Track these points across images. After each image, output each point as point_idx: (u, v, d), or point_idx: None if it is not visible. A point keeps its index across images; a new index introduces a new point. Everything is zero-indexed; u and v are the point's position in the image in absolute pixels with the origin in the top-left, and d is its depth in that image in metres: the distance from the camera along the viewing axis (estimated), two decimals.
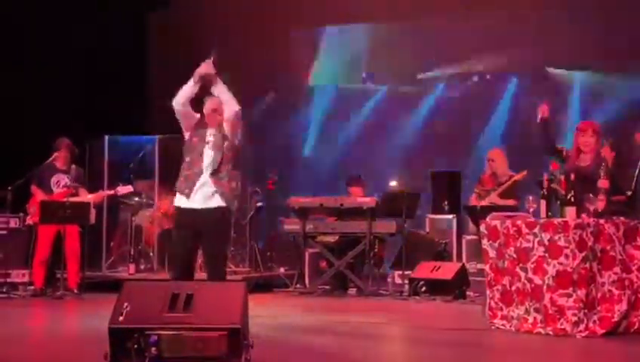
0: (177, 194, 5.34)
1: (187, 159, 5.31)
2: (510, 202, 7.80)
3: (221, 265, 5.28)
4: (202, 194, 5.19)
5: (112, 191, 8.34)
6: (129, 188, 8.36)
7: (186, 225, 5.22)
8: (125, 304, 3.81)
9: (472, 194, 8.37)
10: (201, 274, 6.41)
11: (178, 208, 5.30)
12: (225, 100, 5.21)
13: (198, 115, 5.36)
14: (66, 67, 9.21)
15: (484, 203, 8.01)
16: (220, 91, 5.22)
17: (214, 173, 5.19)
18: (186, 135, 5.37)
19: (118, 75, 9.77)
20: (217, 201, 5.19)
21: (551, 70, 9.93)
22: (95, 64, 9.67)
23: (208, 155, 5.23)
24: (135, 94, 10.08)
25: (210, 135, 5.28)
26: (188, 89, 5.21)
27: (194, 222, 5.18)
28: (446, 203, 8.92)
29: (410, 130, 10.24)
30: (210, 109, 5.27)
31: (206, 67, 5.18)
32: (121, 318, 3.76)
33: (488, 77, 10.39)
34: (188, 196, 5.21)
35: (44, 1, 9.17)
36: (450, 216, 8.78)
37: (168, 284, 4.15)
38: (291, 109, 10.76)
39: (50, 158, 7.99)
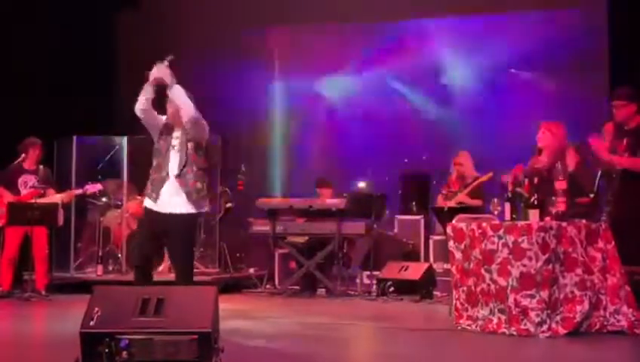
0: (145, 198, 5.37)
1: (154, 163, 5.34)
2: (476, 202, 7.96)
3: (187, 267, 5.28)
4: (168, 197, 5.20)
5: (80, 190, 8.31)
6: (98, 187, 8.35)
7: (151, 225, 5.25)
8: (96, 308, 3.84)
9: (439, 195, 8.52)
10: (170, 276, 6.44)
11: (145, 208, 5.34)
12: (180, 105, 5.18)
13: (163, 118, 5.36)
14: (34, 67, 9.14)
15: (450, 204, 8.15)
16: (175, 96, 5.17)
17: (179, 175, 5.20)
18: (155, 138, 5.39)
19: (87, 75, 9.71)
20: (183, 205, 5.20)
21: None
22: (63, 64, 9.60)
23: (174, 158, 5.24)
24: (104, 94, 10.01)
25: (175, 137, 5.28)
26: (144, 93, 5.18)
27: (159, 224, 5.21)
28: (414, 203, 9.03)
29: (380, 130, 10.31)
30: (171, 112, 5.29)
31: (158, 70, 5.13)
32: (92, 323, 3.79)
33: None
34: (155, 200, 5.24)
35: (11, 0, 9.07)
36: (418, 217, 8.88)
37: (139, 289, 4.19)
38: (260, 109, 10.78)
39: (19, 159, 7.95)
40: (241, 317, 6.45)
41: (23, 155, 7.98)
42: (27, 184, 8.03)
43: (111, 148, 9.16)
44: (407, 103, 10.31)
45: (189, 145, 5.24)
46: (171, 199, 5.20)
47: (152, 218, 5.26)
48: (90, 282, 7.55)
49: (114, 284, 6.54)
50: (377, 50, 10.36)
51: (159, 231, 5.23)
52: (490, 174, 8.12)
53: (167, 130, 5.33)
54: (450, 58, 10.15)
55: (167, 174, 5.23)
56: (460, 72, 10.13)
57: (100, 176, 8.98)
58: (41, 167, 8.11)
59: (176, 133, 5.30)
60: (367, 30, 10.43)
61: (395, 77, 10.39)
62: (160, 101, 5.32)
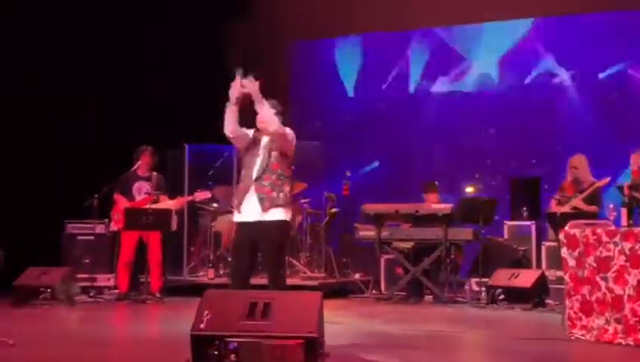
0: (234, 209, 5.39)
1: (242, 172, 5.38)
2: (592, 208, 7.67)
3: (277, 272, 5.22)
4: (250, 206, 5.19)
5: (190, 197, 8.55)
6: (207, 194, 8.56)
7: (240, 237, 5.25)
8: (206, 311, 3.93)
9: (552, 200, 8.26)
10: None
11: (235, 222, 5.35)
12: (266, 120, 5.18)
13: (251, 132, 5.37)
14: (146, 79, 9.46)
15: (564, 209, 7.89)
16: (261, 112, 5.18)
17: (257, 180, 5.19)
18: (242, 152, 5.41)
19: (198, 86, 9.99)
20: (258, 213, 5.16)
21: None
22: (174, 75, 9.91)
23: (255, 166, 5.25)
24: (214, 104, 10.25)
25: (262, 146, 5.29)
26: (231, 116, 5.22)
27: (247, 234, 5.20)
28: (525, 209, 8.78)
29: (489, 134, 10.11)
30: (259, 122, 5.28)
31: (247, 85, 5.14)
32: (202, 325, 3.88)
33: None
34: (239, 209, 5.26)
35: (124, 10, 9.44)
36: (529, 223, 8.64)
37: (247, 293, 4.26)
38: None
39: (134, 166, 8.26)
40: (347, 322, 6.46)
41: (138, 163, 8.28)
42: (141, 190, 8.32)
43: (220, 155, 9.39)
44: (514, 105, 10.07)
45: (273, 153, 5.26)
46: (252, 207, 5.19)
47: (240, 229, 5.27)
48: (202, 285, 7.77)
49: (224, 288, 6.67)
50: (487, 54, 10.18)
51: (250, 243, 5.21)
52: (607, 179, 7.81)
53: (256, 141, 5.34)
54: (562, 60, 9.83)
55: (251, 182, 5.23)
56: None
57: (210, 183, 9.24)
58: (155, 173, 8.39)
59: (264, 141, 5.31)
60: (474, 34, 10.26)
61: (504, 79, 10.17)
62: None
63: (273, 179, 5.21)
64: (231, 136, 5.30)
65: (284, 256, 5.79)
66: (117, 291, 8.27)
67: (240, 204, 5.24)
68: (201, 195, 8.50)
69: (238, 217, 5.30)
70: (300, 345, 3.76)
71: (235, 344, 3.83)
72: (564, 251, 5.64)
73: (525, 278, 7.67)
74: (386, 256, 8.76)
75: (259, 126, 5.32)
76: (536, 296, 7.51)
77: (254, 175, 5.22)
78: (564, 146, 9.10)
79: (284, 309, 3.93)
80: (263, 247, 5.19)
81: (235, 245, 5.37)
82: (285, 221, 5.26)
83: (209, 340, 3.83)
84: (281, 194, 5.22)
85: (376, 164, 8.11)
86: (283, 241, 5.42)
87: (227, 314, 3.92)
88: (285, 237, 5.50)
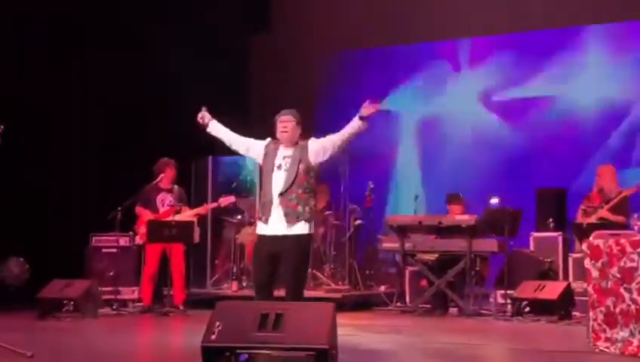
0: (258, 222, 5.36)
1: (264, 185, 5.30)
2: (619, 218, 7.52)
3: (297, 288, 5.14)
4: (275, 219, 5.13)
5: (215, 204, 8.54)
6: (231, 199, 8.48)
7: (264, 250, 5.19)
8: (217, 323, 3.92)
9: (579, 211, 8.12)
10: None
11: (258, 235, 5.30)
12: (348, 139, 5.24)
13: (262, 142, 5.37)
14: (169, 91, 9.51)
15: (590, 220, 7.75)
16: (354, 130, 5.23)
17: (282, 194, 5.12)
18: (260, 161, 5.40)
19: (220, 98, 10.00)
20: (289, 228, 5.11)
21: None
22: (198, 87, 9.94)
23: (279, 177, 5.17)
24: (237, 116, 10.27)
25: (282, 156, 5.22)
26: (217, 135, 5.49)
27: (271, 247, 5.14)
28: (551, 220, 8.64)
29: (513, 144, 9.99)
30: (280, 129, 5.24)
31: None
32: (213, 336, 3.86)
33: None
34: (265, 222, 5.19)
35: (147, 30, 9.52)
36: (555, 234, 8.50)
37: (258, 304, 4.24)
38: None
39: (156, 179, 8.29)
40: (370, 334, 6.39)
41: (162, 175, 8.30)
42: (164, 202, 8.33)
43: (244, 167, 9.40)
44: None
45: (301, 166, 5.17)
46: (277, 221, 5.13)
47: (263, 243, 5.21)
48: (225, 298, 7.73)
49: (248, 300, 6.64)
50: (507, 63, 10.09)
51: (272, 255, 5.15)
52: (635, 188, 7.66)
53: (272, 150, 5.28)
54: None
55: (272, 196, 5.16)
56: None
57: (234, 194, 9.22)
58: (176, 186, 8.41)
59: (285, 152, 5.23)
60: (498, 43, 10.18)
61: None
62: None
63: (299, 193, 5.14)
64: (240, 150, 5.41)
65: (306, 270, 5.75)
66: (141, 304, 8.29)
67: (267, 217, 5.20)
68: (226, 200, 8.46)
69: (262, 229, 5.24)
70: (311, 356, 3.72)
71: (246, 355, 3.80)
72: (587, 262, 5.52)
73: (551, 290, 7.52)
74: (411, 268, 8.66)
75: (279, 136, 5.29)
76: (562, 308, 7.37)
77: (281, 188, 5.14)
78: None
79: (296, 320, 3.90)
80: (285, 261, 5.11)
81: (257, 257, 5.30)
82: (309, 235, 5.21)
83: (220, 351, 3.80)
84: (307, 208, 5.15)
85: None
86: (306, 255, 5.34)
87: (238, 326, 3.90)
88: (308, 251, 5.40)
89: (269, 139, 5.37)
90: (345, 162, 9.07)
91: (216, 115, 9.73)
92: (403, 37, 10.53)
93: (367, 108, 5.13)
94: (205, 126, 5.51)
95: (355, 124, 5.17)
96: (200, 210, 8.48)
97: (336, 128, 5.33)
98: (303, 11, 11.13)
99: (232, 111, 10.12)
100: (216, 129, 5.49)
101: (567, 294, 7.49)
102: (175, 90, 9.35)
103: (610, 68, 9.60)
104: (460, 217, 8.13)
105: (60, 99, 9.10)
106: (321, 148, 5.24)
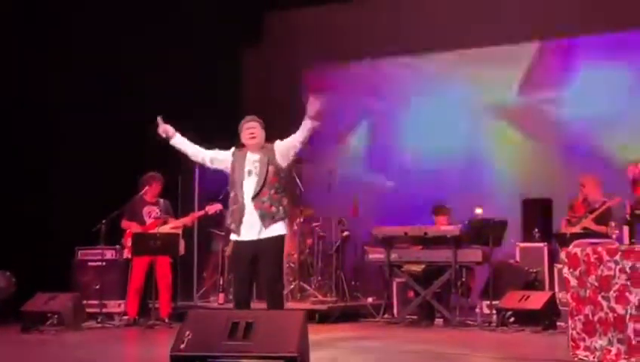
0: (231, 233, 5.39)
1: (231, 194, 5.38)
2: (602, 229, 7.53)
3: (276, 286, 5.23)
4: (249, 224, 5.20)
5: (202, 212, 8.53)
6: (218, 206, 8.43)
7: (241, 255, 5.25)
8: (187, 332, 3.91)
9: (563, 221, 8.14)
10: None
11: (232, 242, 5.39)
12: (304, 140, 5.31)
13: (227, 152, 5.46)
14: (158, 104, 9.51)
15: (574, 229, 7.77)
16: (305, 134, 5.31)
17: (254, 198, 5.20)
18: (228, 171, 5.47)
19: (210, 108, 10.03)
20: (266, 230, 5.19)
21: None
22: (187, 99, 9.97)
23: (250, 183, 5.25)
24: (226, 127, 10.27)
25: (252, 161, 5.30)
26: (180, 147, 5.59)
27: (247, 253, 5.21)
28: (537, 230, 8.65)
29: (498, 155, 10.00)
30: (248, 135, 5.34)
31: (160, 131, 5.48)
32: (182, 346, 3.86)
33: None
34: (237, 231, 5.26)
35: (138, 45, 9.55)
36: (541, 244, 8.51)
37: (229, 312, 4.23)
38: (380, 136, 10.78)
39: (141, 192, 8.29)
40: (353, 345, 6.39)
41: (147, 188, 8.31)
42: (151, 214, 8.36)
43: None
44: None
45: (270, 168, 5.25)
46: (252, 225, 5.20)
47: (238, 249, 5.27)
48: (212, 310, 7.70)
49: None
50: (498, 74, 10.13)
51: (249, 261, 5.21)
52: (619, 199, 7.67)
53: (239, 158, 5.37)
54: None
55: (244, 203, 5.23)
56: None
57: (220, 206, 9.20)
58: (162, 200, 8.43)
59: (252, 157, 5.33)
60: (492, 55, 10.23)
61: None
62: None
63: (271, 194, 5.24)
64: (205, 162, 5.52)
65: (282, 269, 5.81)
66: (126, 317, 8.27)
67: (238, 224, 5.23)
68: (213, 208, 8.44)
69: (236, 237, 5.30)
70: None
71: None
72: (565, 271, 5.53)
73: (536, 300, 7.53)
74: (398, 280, 8.66)
75: (247, 142, 5.34)
76: (546, 318, 7.39)
77: (252, 193, 5.21)
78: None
79: (266, 329, 3.90)
80: (263, 262, 5.18)
81: (234, 264, 5.42)
82: (284, 235, 5.30)
83: (189, 360, 3.79)
84: (280, 208, 5.25)
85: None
86: (282, 255, 5.46)
87: (208, 334, 3.90)
88: (283, 250, 5.50)
89: (233, 149, 5.44)
90: (334, 172, 9.15)
91: (207, 125, 9.82)
92: (392, 49, 10.58)
93: (312, 106, 5.22)
94: (169, 139, 5.54)
95: (306, 125, 5.29)
96: (186, 219, 8.49)
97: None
98: (293, 24, 11.19)
99: (222, 122, 10.23)
100: (180, 141, 5.57)
101: (552, 304, 7.50)
102: (163, 101, 9.36)
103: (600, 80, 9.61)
104: (445, 228, 8.14)
105: (44, 112, 9.11)
106: (285, 150, 5.37)
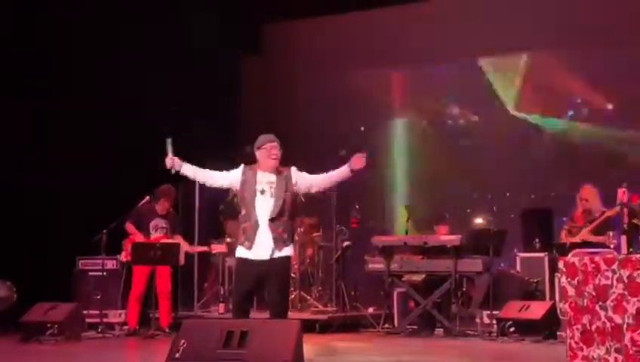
0: (239, 246, 5.40)
1: (243, 212, 5.39)
2: (600, 239, 7.51)
3: (283, 305, 5.26)
4: (262, 245, 5.23)
5: (206, 248, 8.79)
6: (222, 248, 8.79)
7: (250, 274, 5.27)
8: (182, 341, 3.92)
9: (563, 230, 8.13)
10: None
11: (239, 259, 5.36)
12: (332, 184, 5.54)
13: (237, 171, 5.46)
14: (159, 113, 9.56)
15: (574, 239, 7.75)
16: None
17: (272, 221, 5.25)
18: (237, 189, 5.49)
19: (210, 120, 10.07)
20: (276, 252, 5.24)
21: None
22: (190, 107, 10.02)
23: (265, 203, 5.28)
24: (226, 139, 10.32)
25: (265, 182, 5.32)
26: (193, 175, 5.53)
27: (257, 271, 5.24)
28: (537, 241, 8.64)
29: (499, 166, 10.01)
30: (272, 156, 5.34)
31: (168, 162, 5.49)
32: (177, 355, 3.87)
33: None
34: (249, 248, 5.27)
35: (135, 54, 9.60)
36: (541, 254, 8.49)
37: (225, 322, 4.24)
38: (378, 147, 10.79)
39: (155, 203, 8.21)
40: (353, 355, 6.37)
41: (162, 200, 8.21)
42: (157, 227, 8.26)
43: (231, 190, 9.39)
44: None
45: (288, 195, 5.31)
46: (265, 246, 5.23)
47: (249, 268, 5.28)
48: (207, 319, 7.71)
49: None
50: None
51: (256, 279, 5.25)
52: (618, 209, 7.63)
53: (250, 176, 5.38)
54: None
55: (257, 221, 5.26)
56: None
57: (221, 217, 9.24)
58: (172, 212, 8.40)
59: (267, 177, 5.34)
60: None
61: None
62: None
63: (286, 221, 5.32)
64: (223, 185, 5.55)
65: (289, 288, 5.96)
66: (126, 327, 8.26)
67: (251, 242, 5.26)
68: (217, 248, 8.67)
69: (246, 253, 5.31)
70: None
71: None
72: (563, 280, 5.51)
73: (536, 310, 7.51)
74: (399, 289, 8.64)
75: (267, 161, 5.35)
76: (546, 327, 7.36)
77: (268, 214, 5.27)
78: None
79: (261, 338, 3.91)
80: (272, 282, 5.23)
81: (241, 280, 5.35)
82: (291, 256, 5.43)
83: None
84: (291, 233, 5.41)
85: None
86: (289, 276, 5.68)
87: (203, 344, 3.90)
88: (290, 270, 5.66)
89: (242, 166, 5.45)
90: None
91: (206, 134, 9.85)
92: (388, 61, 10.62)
93: (357, 162, 5.31)
94: (177, 171, 5.55)
95: (343, 174, 5.40)
96: (189, 248, 8.50)
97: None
98: (292, 35, 11.23)
99: (221, 132, 10.30)
100: (189, 170, 5.53)
101: (552, 314, 7.47)
102: (163, 111, 9.42)
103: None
104: (445, 237, 8.13)
105: (48, 121, 9.16)
106: (309, 185, 5.47)
